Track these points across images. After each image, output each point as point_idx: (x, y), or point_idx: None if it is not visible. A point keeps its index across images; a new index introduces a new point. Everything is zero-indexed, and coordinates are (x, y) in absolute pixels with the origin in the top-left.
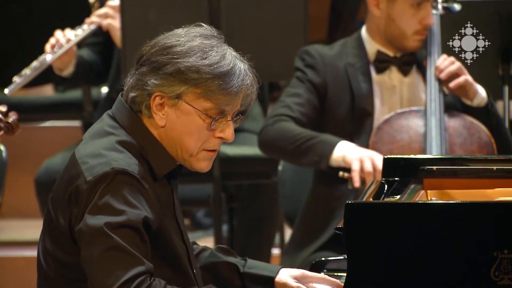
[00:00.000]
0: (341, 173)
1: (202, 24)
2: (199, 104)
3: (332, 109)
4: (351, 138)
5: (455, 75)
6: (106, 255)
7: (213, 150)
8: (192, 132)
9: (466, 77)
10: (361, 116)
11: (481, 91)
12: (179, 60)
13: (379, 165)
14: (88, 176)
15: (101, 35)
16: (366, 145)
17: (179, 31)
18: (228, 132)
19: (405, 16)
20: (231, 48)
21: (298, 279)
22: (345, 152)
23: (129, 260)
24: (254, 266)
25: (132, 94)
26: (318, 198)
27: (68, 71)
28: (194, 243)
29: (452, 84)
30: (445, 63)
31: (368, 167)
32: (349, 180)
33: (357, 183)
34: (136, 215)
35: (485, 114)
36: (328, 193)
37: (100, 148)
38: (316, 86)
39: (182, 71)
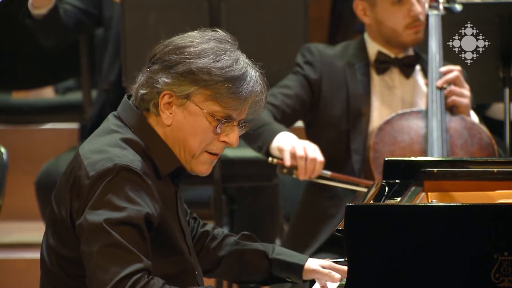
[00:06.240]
0: (270, 158)
1: (218, 29)
2: (207, 106)
3: (327, 107)
4: (346, 138)
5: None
6: (104, 251)
7: (215, 154)
8: (197, 133)
9: (461, 91)
10: (356, 116)
11: (473, 116)
12: (191, 61)
13: (310, 153)
14: (90, 171)
15: (91, 6)
16: (361, 145)
17: (194, 33)
18: (233, 136)
19: (390, 15)
20: (244, 54)
21: (325, 268)
22: (281, 141)
23: (127, 257)
24: (282, 252)
25: (142, 92)
26: (311, 197)
27: (41, 11)
28: (215, 227)
29: (441, 82)
30: (443, 69)
31: (300, 151)
32: (278, 165)
33: (288, 161)
34: (137, 211)
35: None
36: (320, 193)
37: (104, 145)
38: (311, 83)
39: (193, 72)
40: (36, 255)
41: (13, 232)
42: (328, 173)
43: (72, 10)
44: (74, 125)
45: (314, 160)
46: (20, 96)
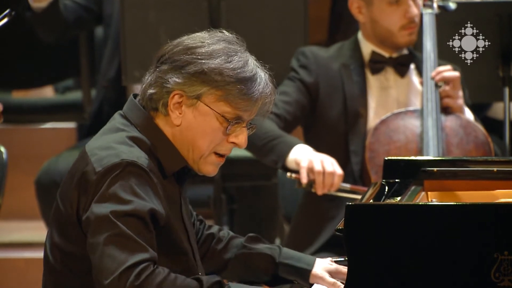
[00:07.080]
0: (288, 174)
1: (224, 31)
2: (218, 106)
3: (325, 110)
4: (344, 139)
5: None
6: (111, 241)
7: (222, 156)
8: (206, 133)
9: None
10: (353, 117)
11: (468, 114)
12: (203, 61)
13: (328, 167)
14: (97, 167)
15: (92, 2)
16: (360, 146)
17: (203, 33)
18: (242, 137)
19: (386, 15)
20: (253, 56)
21: (332, 273)
22: (298, 154)
23: (133, 247)
24: (289, 256)
25: (150, 91)
26: (311, 200)
27: (41, 4)
28: (221, 229)
29: (440, 76)
30: (441, 68)
31: (317, 166)
32: (297, 180)
33: (304, 179)
34: (143, 205)
35: None
36: (320, 195)
37: (111, 142)
38: (307, 86)
39: (205, 72)
40: (36, 254)
41: (13, 232)
42: (347, 186)
43: (73, 6)
44: (74, 125)
45: (331, 174)
46: (20, 96)
